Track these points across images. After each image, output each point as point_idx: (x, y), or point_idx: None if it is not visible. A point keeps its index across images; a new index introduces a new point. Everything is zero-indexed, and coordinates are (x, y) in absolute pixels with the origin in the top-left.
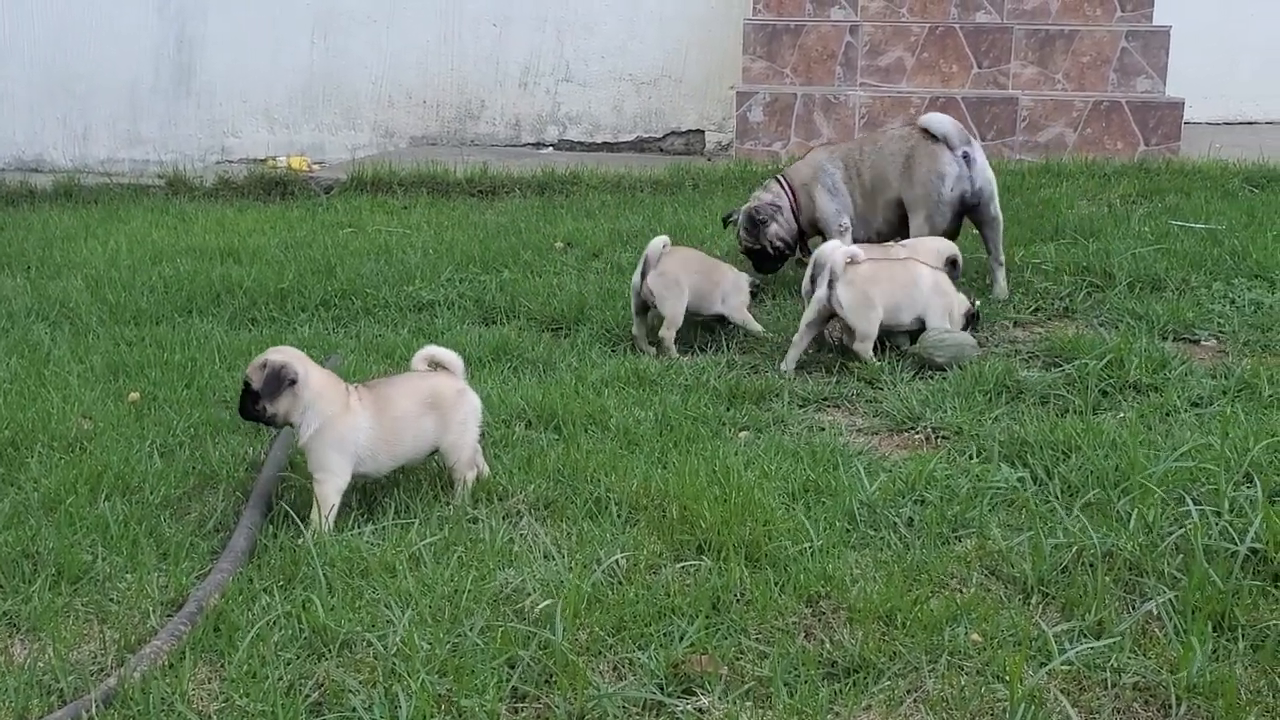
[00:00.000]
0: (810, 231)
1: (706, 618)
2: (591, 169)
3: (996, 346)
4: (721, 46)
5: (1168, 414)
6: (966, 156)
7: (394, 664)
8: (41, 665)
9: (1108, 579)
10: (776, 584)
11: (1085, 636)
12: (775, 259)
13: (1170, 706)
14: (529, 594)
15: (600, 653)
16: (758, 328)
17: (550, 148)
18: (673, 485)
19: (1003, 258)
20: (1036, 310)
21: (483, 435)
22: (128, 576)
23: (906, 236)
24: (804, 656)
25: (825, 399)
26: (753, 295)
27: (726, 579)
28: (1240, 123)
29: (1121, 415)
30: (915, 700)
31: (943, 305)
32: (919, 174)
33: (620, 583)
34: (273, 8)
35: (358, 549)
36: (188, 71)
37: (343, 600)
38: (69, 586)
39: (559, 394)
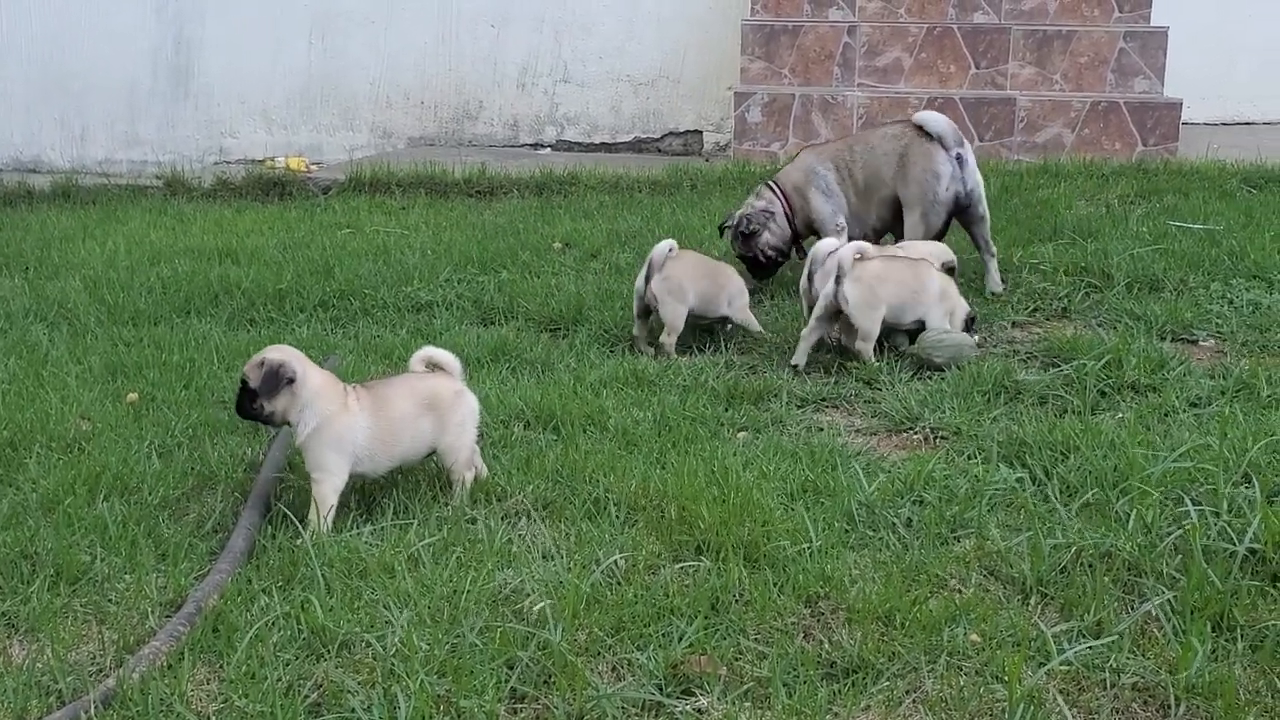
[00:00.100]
0: (805, 233)
1: (705, 618)
2: (589, 169)
3: (995, 347)
4: (719, 47)
5: (1166, 414)
6: (959, 158)
7: (393, 664)
8: (40, 666)
9: (1106, 579)
10: (775, 584)
11: (1084, 637)
12: (768, 266)
13: (1169, 707)
14: (528, 594)
15: (599, 653)
16: (758, 328)
17: (548, 148)
18: (671, 486)
19: (993, 248)
20: (1035, 311)
21: (481, 436)
22: (126, 577)
23: (901, 234)
24: (803, 657)
25: (824, 399)
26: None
27: (725, 579)
28: (1238, 123)
29: (1120, 416)
30: (914, 701)
31: (945, 310)
32: (914, 173)
33: (619, 583)
34: (271, 9)
35: (356, 550)
36: (186, 73)
37: (341, 601)
38: (67, 587)
39: (557, 394)
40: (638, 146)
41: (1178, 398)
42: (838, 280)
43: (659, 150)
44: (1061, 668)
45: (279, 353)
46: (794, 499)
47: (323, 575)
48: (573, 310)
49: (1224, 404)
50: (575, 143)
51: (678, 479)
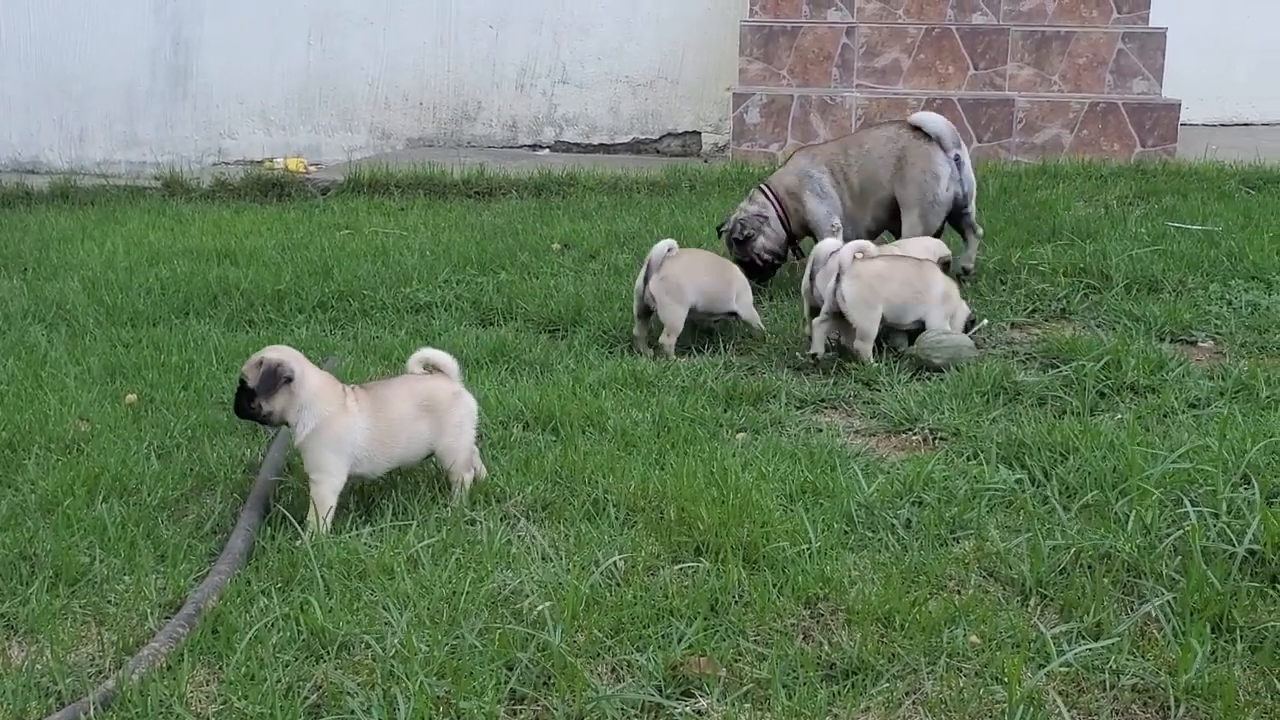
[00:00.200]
0: (801, 235)
1: (705, 619)
2: (588, 170)
3: (994, 348)
4: (718, 48)
5: (1165, 415)
6: (957, 160)
7: (392, 666)
8: (39, 667)
9: (1106, 580)
10: (775, 586)
11: (1084, 638)
12: (765, 270)
13: (1169, 708)
14: (527, 596)
15: (599, 654)
16: (761, 326)
17: (547, 149)
18: (670, 487)
19: (979, 229)
20: (1033, 312)
21: (480, 437)
22: (125, 578)
23: (897, 235)
24: (802, 658)
25: (822, 400)
26: None
27: (725, 581)
28: (1237, 124)
29: (1119, 417)
30: (914, 702)
31: (946, 312)
32: (912, 174)
33: (618, 584)
34: (269, 10)
35: (355, 551)
36: (184, 73)
37: (341, 602)
38: (67, 588)
39: (556, 396)
40: (636, 147)
41: (1177, 399)
42: (838, 279)
43: (657, 151)
44: (1061, 669)
45: (277, 352)
46: (793, 500)
47: (322, 577)
48: (571, 311)
49: (1223, 405)
50: (574, 144)
51: (677, 480)
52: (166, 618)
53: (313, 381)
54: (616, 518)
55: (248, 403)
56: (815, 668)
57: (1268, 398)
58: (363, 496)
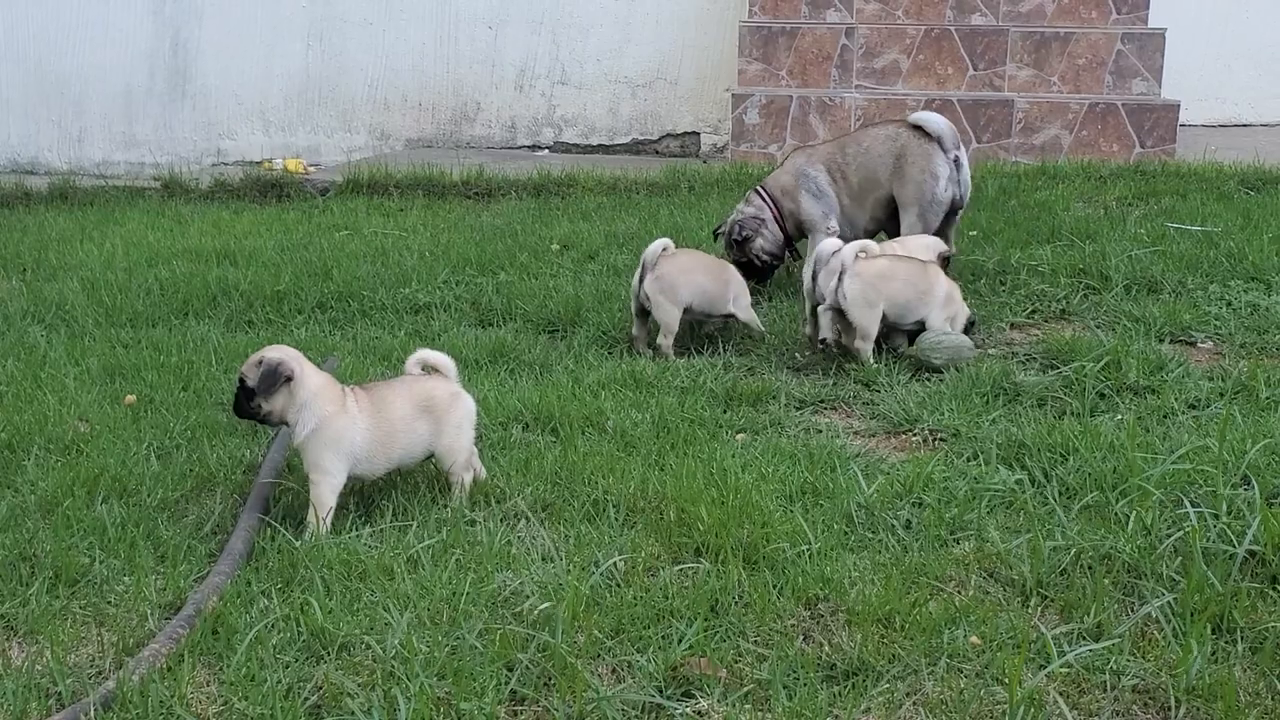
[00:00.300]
0: (797, 236)
1: (705, 620)
2: (587, 171)
3: (993, 348)
4: (717, 49)
5: (1165, 416)
6: (957, 161)
7: (393, 667)
8: (39, 668)
9: (1106, 581)
10: (775, 586)
11: (1084, 639)
12: (764, 271)
13: (1170, 709)
14: (527, 596)
15: (599, 655)
16: (761, 328)
17: (546, 150)
18: (670, 487)
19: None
20: (1033, 312)
21: (479, 438)
22: (125, 579)
23: (894, 235)
24: (803, 659)
25: (822, 401)
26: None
27: (725, 581)
28: (1235, 125)
29: (1119, 417)
30: (914, 703)
31: (948, 314)
32: (912, 173)
33: (619, 585)
34: (268, 11)
35: (355, 551)
36: (183, 74)
37: (341, 603)
38: (66, 589)
39: (556, 396)
40: (635, 148)
41: (1176, 399)
42: (840, 277)
43: (656, 152)
44: (1062, 670)
45: (277, 352)
46: (793, 501)
47: (322, 577)
48: (571, 312)
49: (1223, 406)
50: (573, 144)
51: (677, 481)
52: (166, 618)
53: (313, 381)
54: (616, 518)
55: (247, 402)
56: (816, 668)
57: (1267, 398)
58: (363, 497)
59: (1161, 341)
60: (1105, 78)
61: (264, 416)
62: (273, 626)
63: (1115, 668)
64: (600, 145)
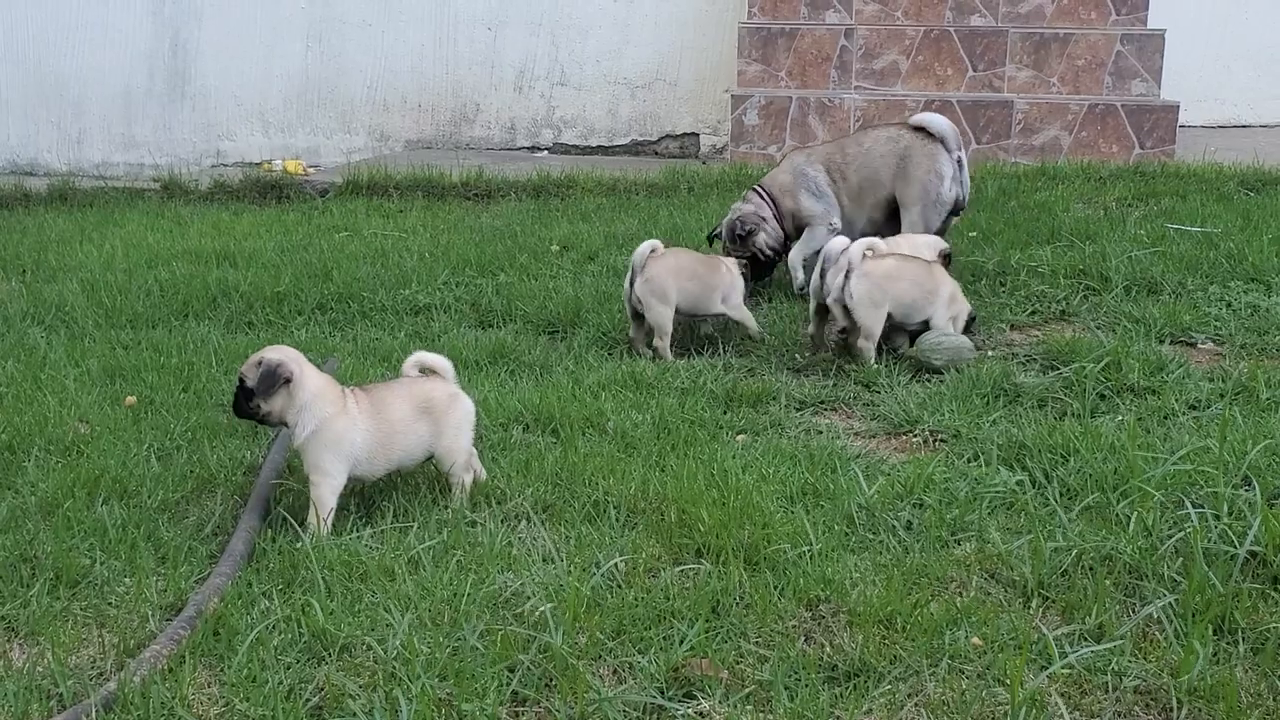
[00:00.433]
0: (795, 235)
1: (706, 621)
2: (586, 172)
3: (994, 349)
4: (716, 50)
5: (1166, 417)
6: (959, 161)
7: (394, 668)
8: (40, 669)
9: (1108, 582)
10: (776, 587)
11: (1086, 640)
12: (765, 266)
13: (1171, 710)
14: (528, 597)
15: (600, 656)
16: (756, 326)
17: (545, 151)
18: (671, 488)
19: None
20: (1033, 313)
21: (479, 439)
22: (126, 580)
23: (895, 233)
24: (804, 660)
25: (822, 402)
26: (745, 279)
27: (726, 582)
28: (1235, 126)
29: (1119, 418)
30: (916, 704)
31: (952, 314)
32: (916, 173)
33: (619, 586)
34: (267, 12)
35: (356, 553)
36: (182, 76)
37: (342, 604)
38: (67, 590)
39: (556, 397)
40: (634, 149)
41: (1177, 400)
42: (846, 276)
43: (655, 153)
44: (1063, 671)
45: (277, 352)
46: (794, 502)
47: (323, 578)
48: (570, 313)
49: (1223, 407)
50: (572, 145)
51: (677, 482)
52: (168, 620)
53: (313, 383)
54: (617, 519)
55: (246, 403)
56: (817, 669)
57: (1268, 399)
58: (363, 498)
59: (1162, 342)
60: (1105, 79)
61: (263, 417)
62: (274, 628)
63: (1117, 669)
64: (599, 146)
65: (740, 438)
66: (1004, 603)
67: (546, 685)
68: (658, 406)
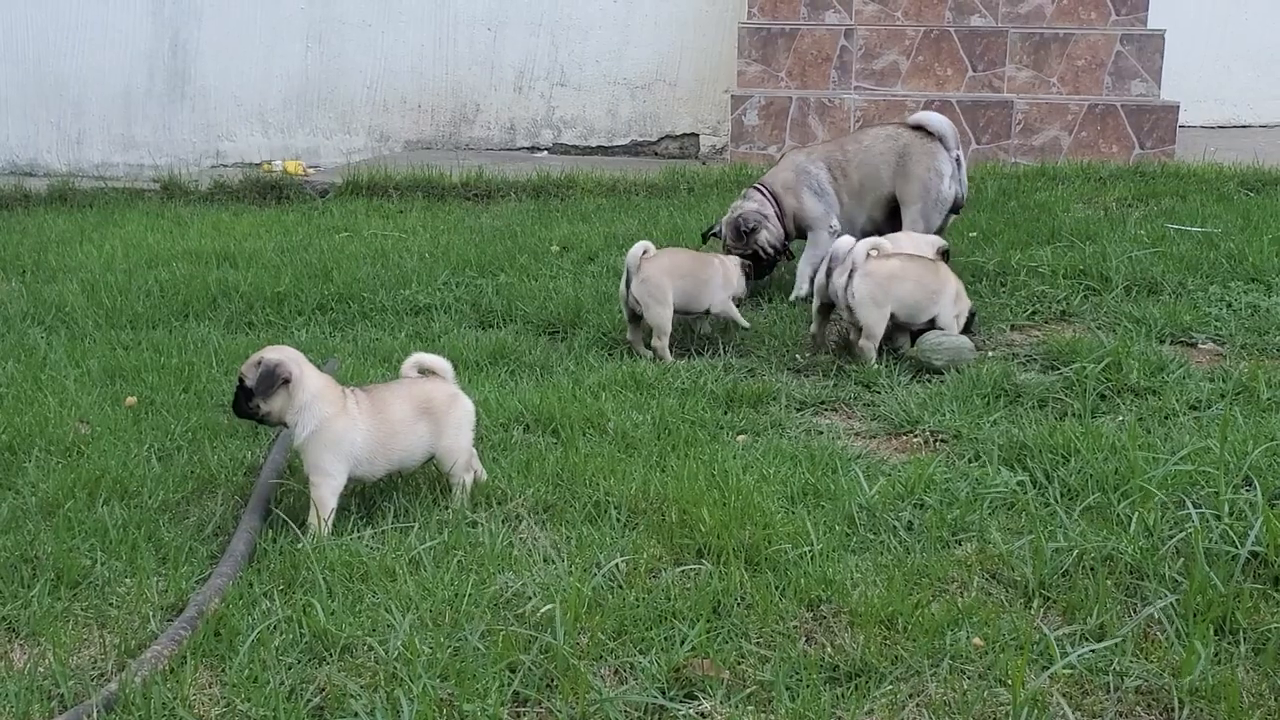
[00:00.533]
0: (795, 234)
1: (707, 622)
2: (586, 173)
3: (994, 350)
4: (716, 50)
5: (1166, 417)
6: (958, 160)
7: (395, 668)
8: (41, 670)
9: (1109, 582)
10: (777, 588)
11: (1087, 640)
12: (766, 264)
13: (1173, 710)
14: (529, 598)
15: (601, 657)
16: (745, 323)
17: (545, 151)
18: (672, 489)
19: None
20: (1033, 314)
21: (479, 439)
22: (127, 581)
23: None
24: (805, 660)
25: (823, 402)
26: (746, 277)
27: (727, 583)
28: (1235, 126)
29: (1120, 419)
30: (917, 704)
31: (957, 312)
32: (917, 171)
33: (620, 586)
34: (267, 13)
35: (357, 553)
36: (182, 76)
37: (343, 605)
38: (68, 591)
39: (556, 398)
40: (634, 149)
41: (1177, 400)
42: (850, 275)
43: (655, 153)
44: (1065, 671)
45: (277, 353)
46: (794, 502)
47: (324, 579)
48: (571, 313)
49: (1224, 407)
50: (572, 146)
51: (678, 482)
52: (168, 620)
53: (312, 383)
54: (618, 520)
55: (246, 402)
56: (818, 670)
57: (1268, 399)
58: (364, 499)
59: (1162, 342)
60: (1104, 79)
61: (263, 417)
62: (275, 628)
63: (1118, 669)
64: (599, 147)
65: (741, 438)
66: (1005, 603)
67: (548, 685)
68: (658, 407)
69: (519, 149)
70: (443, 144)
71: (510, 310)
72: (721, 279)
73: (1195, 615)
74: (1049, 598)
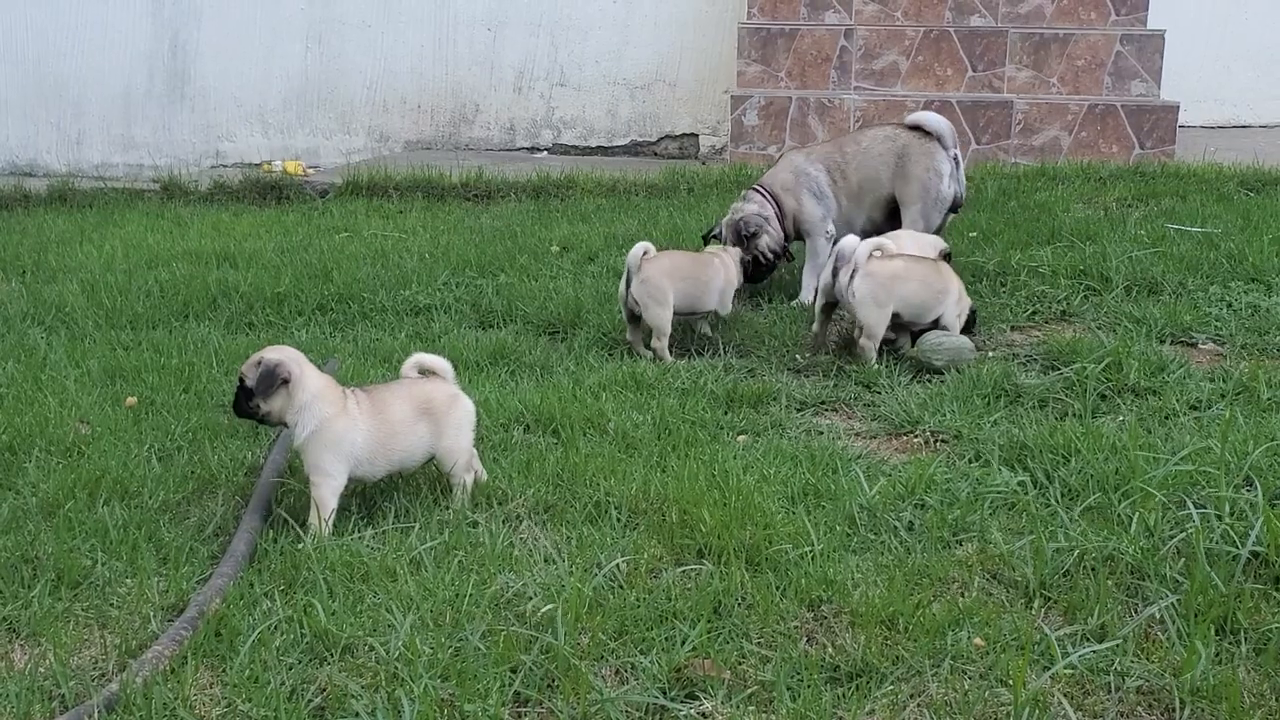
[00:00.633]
0: (794, 236)
1: (708, 622)
2: (586, 173)
3: (994, 350)
4: (716, 50)
5: (1167, 417)
6: (956, 159)
7: (396, 668)
8: (42, 670)
9: (1110, 583)
10: (778, 588)
11: (1088, 640)
12: (766, 269)
13: (1174, 710)
14: (530, 598)
15: (602, 657)
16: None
17: (545, 152)
18: (672, 489)
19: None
20: (1034, 314)
21: (480, 440)
22: (128, 581)
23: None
24: (806, 661)
25: (823, 402)
26: (745, 276)
27: (728, 583)
28: (1234, 126)
29: (1121, 419)
30: (919, 705)
31: (959, 311)
32: (915, 171)
33: (621, 587)
34: (267, 13)
35: (358, 553)
36: (182, 76)
37: (344, 605)
38: (69, 591)
39: (557, 398)
40: (634, 150)
41: (1178, 401)
42: (852, 275)
43: (655, 154)
44: (1066, 671)
45: (277, 352)
46: (795, 502)
47: (324, 579)
48: (571, 313)
49: (1224, 407)
50: (571, 146)
51: (678, 482)
52: (169, 620)
53: (313, 383)
54: (618, 520)
55: (246, 402)
56: (819, 670)
57: (1269, 399)
58: (364, 499)
59: (1162, 343)
60: (1104, 79)
61: (263, 417)
62: (276, 628)
63: (1119, 669)
64: (599, 147)
65: (741, 438)
66: (1006, 603)
67: (549, 686)
68: (658, 407)
69: (519, 149)
70: (442, 144)
71: (510, 310)
72: (723, 279)
73: (1196, 615)
74: (1050, 598)
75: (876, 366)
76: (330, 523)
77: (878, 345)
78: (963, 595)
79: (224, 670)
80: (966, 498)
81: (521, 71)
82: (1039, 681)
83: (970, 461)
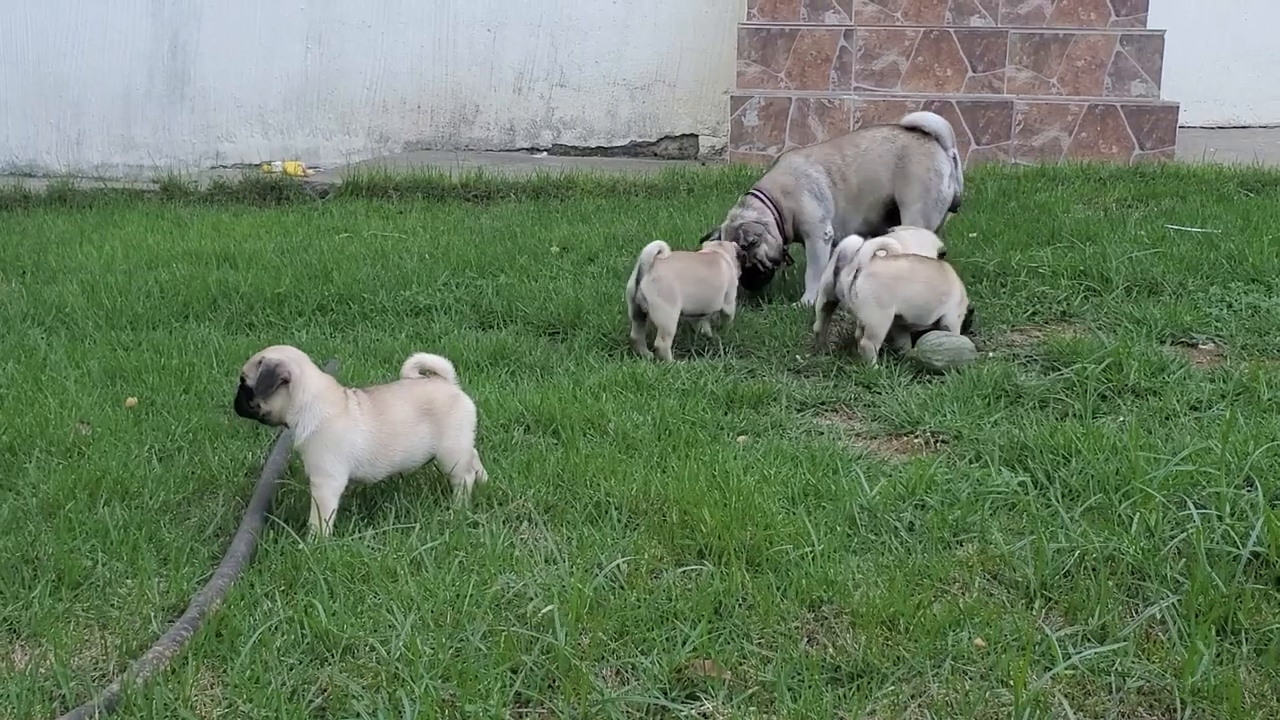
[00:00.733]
0: (794, 238)
1: (709, 622)
2: (586, 173)
3: (994, 350)
4: (715, 51)
5: (1167, 418)
6: (955, 159)
7: (397, 669)
8: (43, 671)
9: (1110, 583)
10: (778, 589)
11: (1089, 641)
12: (765, 276)
13: (1175, 710)
14: (531, 598)
15: (603, 657)
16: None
17: (544, 152)
18: (672, 489)
19: None
20: (1034, 314)
21: (480, 440)
22: (128, 582)
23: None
24: (807, 661)
25: (823, 403)
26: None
27: (728, 584)
28: (1234, 127)
29: (1121, 419)
30: (919, 705)
31: (960, 311)
32: (916, 171)
33: (622, 587)
34: (267, 13)
35: (359, 554)
36: (182, 77)
37: (344, 605)
38: (69, 592)
39: (557, 398)
40: (633, 150)
41: (1178, 401)
42: (855, 275)
43: (655, 154)
44: (1067, 672)
45: (277, 352)
46: (795, 503)
47: (325, 579)
48: (571, 314)
49: (1224, 407)
50: (571, 147)
51: (679, 483)
52: (170, 621)
53: (313, 383)
54: (619, 520)
55: (247, 402)
56: (820, 671)
57: (1269, 400)
58: (365, 499)
59: (1163, 343)
60: (1104, 79)
61: (264, 417)
62: (276, 629)
63: (1120, 670)
64: (599, 148)
65: (741, 439)
66: (1007, 604)
67: (549, 686)
68: (659, 408)
69: (518, 150)
70: (442, 145)
71: (510, 311)
72: (728, 279)
73: (1197, 616)
74: (1051, 598)
75: (877, 367)
76: (331, 523)
77: (879, 345)
78: (963, 596)
79: (225, 671)
80: (967, 498)
81: (521, 72)
82: (1040, 682)
83: (971, 462)
